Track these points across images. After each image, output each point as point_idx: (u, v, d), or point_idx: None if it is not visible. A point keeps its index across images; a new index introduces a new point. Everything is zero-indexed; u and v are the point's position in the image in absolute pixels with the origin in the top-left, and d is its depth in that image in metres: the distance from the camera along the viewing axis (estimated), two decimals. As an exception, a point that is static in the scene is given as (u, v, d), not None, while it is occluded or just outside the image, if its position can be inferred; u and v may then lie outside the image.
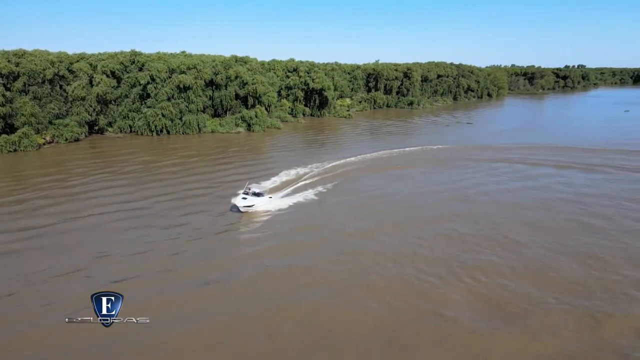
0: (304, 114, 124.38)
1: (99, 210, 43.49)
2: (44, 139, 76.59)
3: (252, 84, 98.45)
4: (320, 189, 51.30)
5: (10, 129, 74.75)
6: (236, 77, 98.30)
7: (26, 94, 77.55)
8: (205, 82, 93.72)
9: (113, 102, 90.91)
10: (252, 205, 42.16)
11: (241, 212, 41.99)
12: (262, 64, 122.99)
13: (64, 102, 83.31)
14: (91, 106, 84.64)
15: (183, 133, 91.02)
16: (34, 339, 23.28)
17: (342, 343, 23.40)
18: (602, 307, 26.52)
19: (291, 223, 40.50)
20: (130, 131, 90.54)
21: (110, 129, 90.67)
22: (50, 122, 79.14)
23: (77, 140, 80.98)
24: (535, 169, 60.89)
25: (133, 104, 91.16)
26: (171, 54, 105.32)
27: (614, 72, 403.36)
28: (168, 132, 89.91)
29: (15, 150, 70.61)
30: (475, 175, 57.93)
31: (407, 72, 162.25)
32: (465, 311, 26.10)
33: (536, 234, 37.52)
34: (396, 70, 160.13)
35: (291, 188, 51.52)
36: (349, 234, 37.80)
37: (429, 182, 55.09)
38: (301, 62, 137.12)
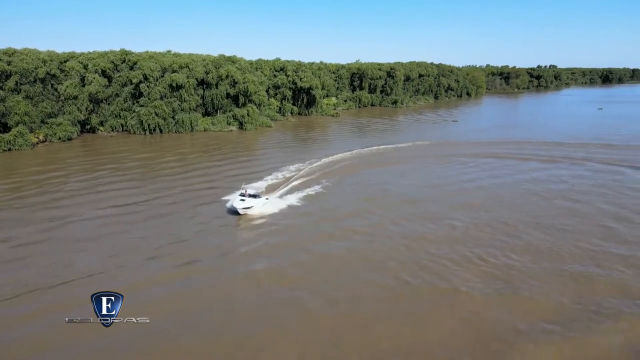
0: (292, 113, 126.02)
1: (113, 203, 44.64)
2: (37, 138, 76.27)
3: (243, 83, 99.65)
4: (321, 184, 52.72)
5: (3, 128, 74.28)
6: (227, 76, 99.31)
7: (18, 93, 77.01)
8: (197, 80, 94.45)
9: (104, 101, 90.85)
10: (251, 207, 41.49)
11: (240, 214, 40.99)
12: (250, 63, 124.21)
13: (55, 101, 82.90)
14: (83, 105, 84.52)
15: (176, 132, 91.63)
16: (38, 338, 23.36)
17: (367, 316, 25.46)
18: (597, 278, 29.44)
19: (302, 217, 42.07)
20: (123, 130, 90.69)
21: (101, 128, 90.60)
22: (42, 121, 78.77)
23: (69, 139, 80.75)
24: (525, 163, 64.22)
25: (125, 102, 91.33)
26: (160, 52, 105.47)
27: (584, 72, 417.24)
28: (161, 131, 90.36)
29: (9, 149, 70.24)
30: (468, 170, 60.78)
31: (390, 71, 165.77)
32: (477, 287, 28.55)
33: (532, 221, 40.43)
34: (380, 69, 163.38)
35: (291, 185, 52.35)
36: (358, 225, 39.65)
37: (427, 177, 57.57)
38: (288, 61, 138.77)
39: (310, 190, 49.95)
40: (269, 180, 54.92)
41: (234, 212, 41.28)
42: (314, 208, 44.32)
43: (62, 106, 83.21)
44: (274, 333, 23.94)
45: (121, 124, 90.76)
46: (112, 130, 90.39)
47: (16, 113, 73.34)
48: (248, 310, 26.11)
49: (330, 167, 62.12)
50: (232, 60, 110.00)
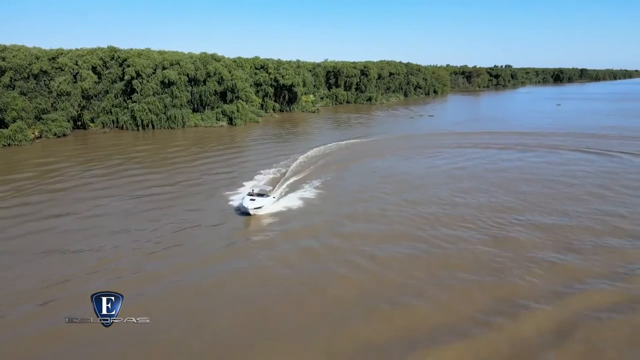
0: (273, 109, 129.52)
1: (142, 186, 47.97)
2: (33, 133, 76.73)
3: (231, 80, 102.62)
4: (325, 176, 54.56)
5: (0, 124, 74.45)
6: (215, 73, 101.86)
7: (13, 89, 77.11)
8: (188, 77, 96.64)
9: (94, 97, 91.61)
10: (261, 207, 40.13)
11: (250, 214, 39.47)
12: (234, 61, 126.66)
13: (47, 97, 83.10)
14: (76, 101, 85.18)
15: (168, 127, 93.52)
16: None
17: (404, 266, 30.38)
18: (567, 226, 35.96)
19: (326, 200, 46.53)
20: (115, 126, 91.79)
21: (91, 124, 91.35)
22: (36, 117, 79.11)
23: (64, 135, 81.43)
24: (505, 152, 70.81)
25: (115, 99, 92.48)
26: (146, 50, 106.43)
27: (537, 72, 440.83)
28: (153, 127, 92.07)
29: (9, 144, 70.69)
30: (458, 158, 66.03)
31: (363, 69, 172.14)
32: (485, 240, 34.37)
33: (521, 196, 46.89)
34: (354, 68, 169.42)
35: (296, 178, 53.58)
36: (376, 206, 43.57)
37: (424, 165, 62.33)
38: (268, 59, 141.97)
39: (318, 182, 51.67)
40: (278, 167, 58.63)
41: (244, 212, 39.85)
42: (330, 193, 47.29)
43: (55, 102, 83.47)
44: (335, 280, 28.54)
45: (112, 120, 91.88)
46: (103, 126, 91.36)
47: (13, 109, 73.67)
48: (314, 269, 30.42)
49: (326, 158, 65.28)
50: (215, 58, 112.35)
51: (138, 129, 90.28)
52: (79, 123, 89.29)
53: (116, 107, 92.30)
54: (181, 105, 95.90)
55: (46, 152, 68.44)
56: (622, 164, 62.49)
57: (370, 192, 48.50)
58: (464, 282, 28.09)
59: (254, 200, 39.98)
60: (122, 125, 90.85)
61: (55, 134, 79.38)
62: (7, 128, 72.61)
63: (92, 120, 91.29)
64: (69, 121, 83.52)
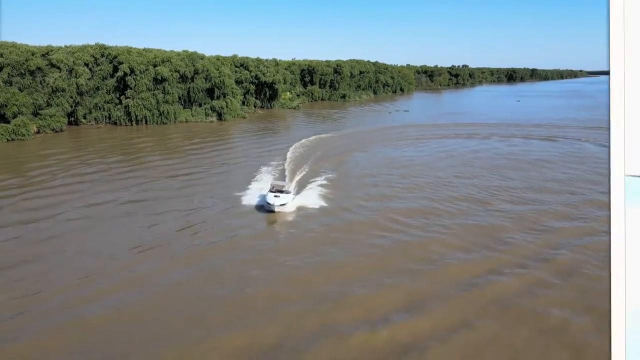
0: (255, 106, 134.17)
1: (170, 170, 52.56)
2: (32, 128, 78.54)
3: (219, 77, 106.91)
4: (333, 167, 56.82)
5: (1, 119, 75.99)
6: (202, 70, 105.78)
7: (11, 85, 78.64)
8: (179, 74, 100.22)
9: (86, 93, 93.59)
10: (286, 203, 38.14)
11: (274, 211, 37.60)
12: (217, 58, 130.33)
13: (42, 93, 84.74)
14: (72, 97, 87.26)
15: (160, 123, 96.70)
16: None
17: (431, 227, 37.02)
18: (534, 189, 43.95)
19: (354, 179, 52.69)
20: (108, 122, 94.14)
21: (84, 120, 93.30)
22: (32, 113, 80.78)
23: (61, 130, 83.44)
24: (487, 141, 78.79)
25: (108, 95, 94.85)
26: (129, 47, 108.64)
27: (492, 72, 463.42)
28: (146, 122, 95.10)
29: (13, 139, 72.49)
30: (447, 147, 71.69)
31: (336, 68, 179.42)
32: (480, 207, 41.51)
33: (505, 173, 54.81)
34: (328, 66, 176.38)
35: (305, 171, 55.22)
36: (390, 188, 49.06)
37: (419, 152, 68.20)
38: (247, 57, 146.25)
39: (330, 171, 54.11)
40: (282, 156, 63.75)
41: (267, 209, 38.04)
42: (345, 180, 51.38)
43: (49, 98, 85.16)
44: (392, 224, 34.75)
45: (105, 116, 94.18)
46: (96, 122, 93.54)
47: (14, 104, 75.40)
48: (375, 226, 36.25)
49: (325, 148, 70.25)
50: (198, 56, 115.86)
51: (132, 124, 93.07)
52: (72, 119, 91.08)
53: (108, 103, 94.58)
54: (173, 101, 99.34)
55: (50, 145, 70.66)
56: (581, 148, 72.32)
57: (381, 175, 53.36)
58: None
59: (278, 196, 38.01)
60: (115, 121, 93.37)
61: (53, 129, 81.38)
62: (8, 123, 74.32)
63: (84, 116, 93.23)
64: (64, 117, 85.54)
